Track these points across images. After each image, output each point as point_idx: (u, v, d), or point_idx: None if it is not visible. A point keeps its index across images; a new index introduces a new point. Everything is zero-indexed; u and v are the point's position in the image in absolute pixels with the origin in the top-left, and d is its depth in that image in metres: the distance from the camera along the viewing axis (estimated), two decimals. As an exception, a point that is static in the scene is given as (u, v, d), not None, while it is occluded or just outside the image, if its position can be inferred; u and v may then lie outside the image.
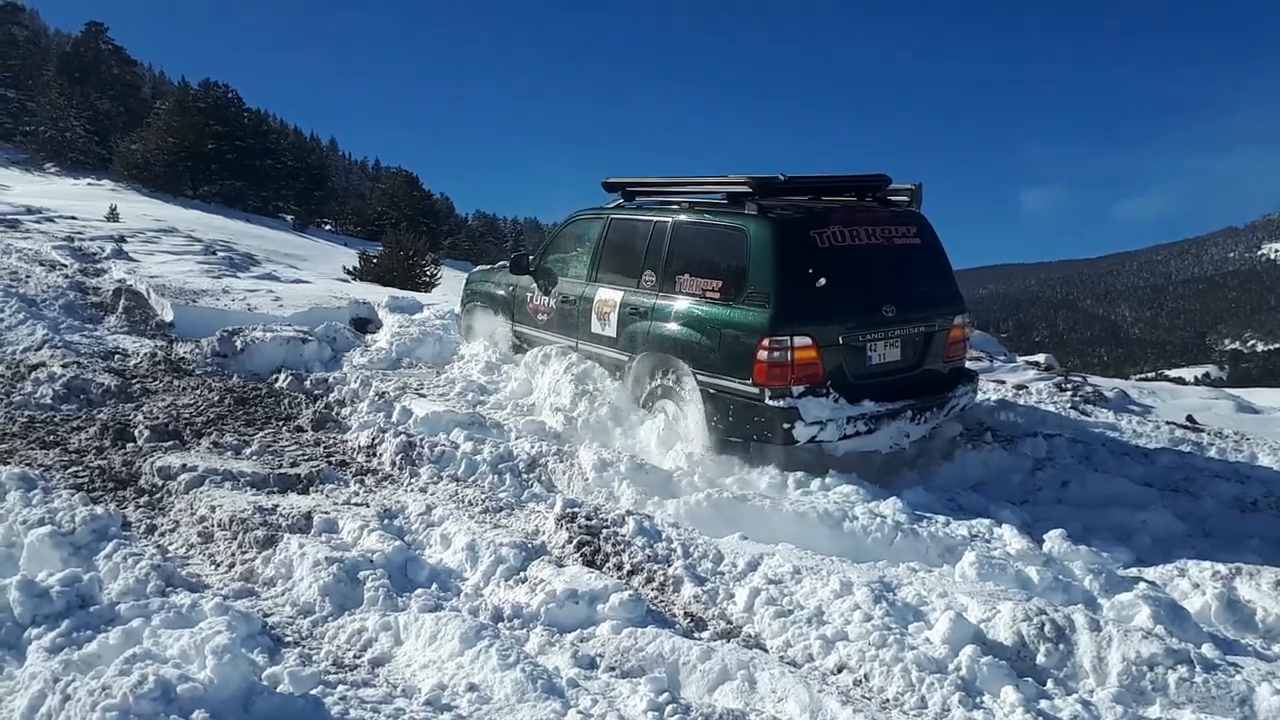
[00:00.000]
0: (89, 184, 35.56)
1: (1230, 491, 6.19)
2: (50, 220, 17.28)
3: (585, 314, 7.19)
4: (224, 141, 42.75)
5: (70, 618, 3.35)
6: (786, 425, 5.57)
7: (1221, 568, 4.61)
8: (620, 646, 3.37)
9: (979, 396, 8.54)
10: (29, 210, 18.20)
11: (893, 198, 6.73)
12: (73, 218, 18.28)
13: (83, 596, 3.50)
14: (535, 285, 7.95)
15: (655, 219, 6.80)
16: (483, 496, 5.12)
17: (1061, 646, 3.55)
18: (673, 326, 6.27)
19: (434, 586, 3.92)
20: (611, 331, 6.89)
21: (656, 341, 6.41)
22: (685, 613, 3.88)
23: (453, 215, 65.84)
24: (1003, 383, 9.85)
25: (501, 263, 9.08)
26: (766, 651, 3.54)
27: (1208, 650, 3.59)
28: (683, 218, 6.59)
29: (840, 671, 3.41)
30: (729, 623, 3.81)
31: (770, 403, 5.58)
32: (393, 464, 5.66)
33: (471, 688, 3.01)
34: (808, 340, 5.61)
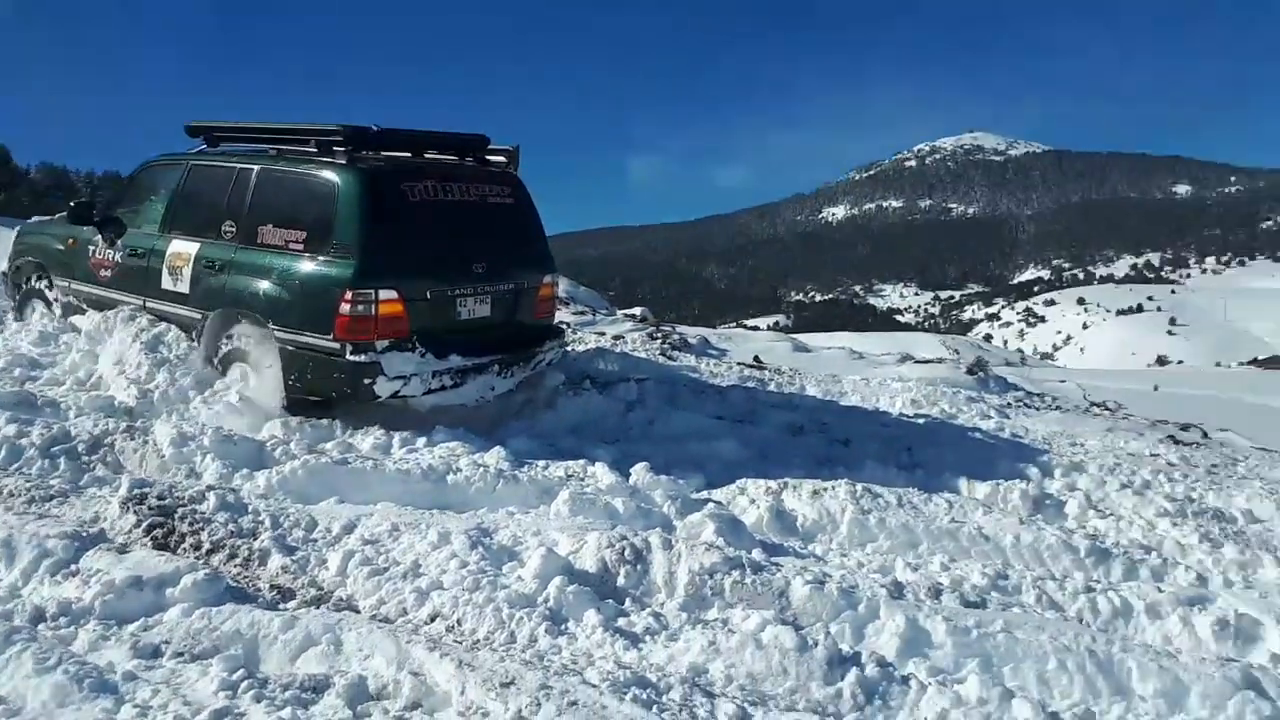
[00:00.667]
0: None
1: (784, 419, 7.13)
2: None
3: (156, 269, 6.53)
4: None
5: None
6: (368, 380, 5.51)
7: (772, 484, 5.29)
8: (191, 629, 3.11)
9: (581, 347, 9.03)
10: None
11: (491, 158, 6.80)
12: None
13: None
14: (99, 237, 7.06)
15: (239, 165, 6.35)
16: (28, 486, 4.44)
17: (639, 567, 3.86)
18: (251, 281, 5.90)
19: (-43, 594, 3.35)
20: (185, 288, 6.33)
21: (233, 297, 6.02)
22: (271, 585, 3.68)
23: (9, 166, 55.84)
24: (603, 334, 10.50)
25: (61, 214, 7.95)
26: (358, 612, 3.47)
27: (757, 554, 4.11)
28: (268, 165, 6.20)
29: (434, 620, 3.44)
30: (320, 589, 3.68)
31: (351, 358, 5.47)
32: (-102, 460, 4.72)
33: None
34: (394, 294, 5.56)
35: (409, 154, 6.48)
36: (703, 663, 3.17)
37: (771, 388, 8.24)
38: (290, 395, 5.75)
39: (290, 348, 5.68)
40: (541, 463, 5.41)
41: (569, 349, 8.56)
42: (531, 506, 4.80)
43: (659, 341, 10.35)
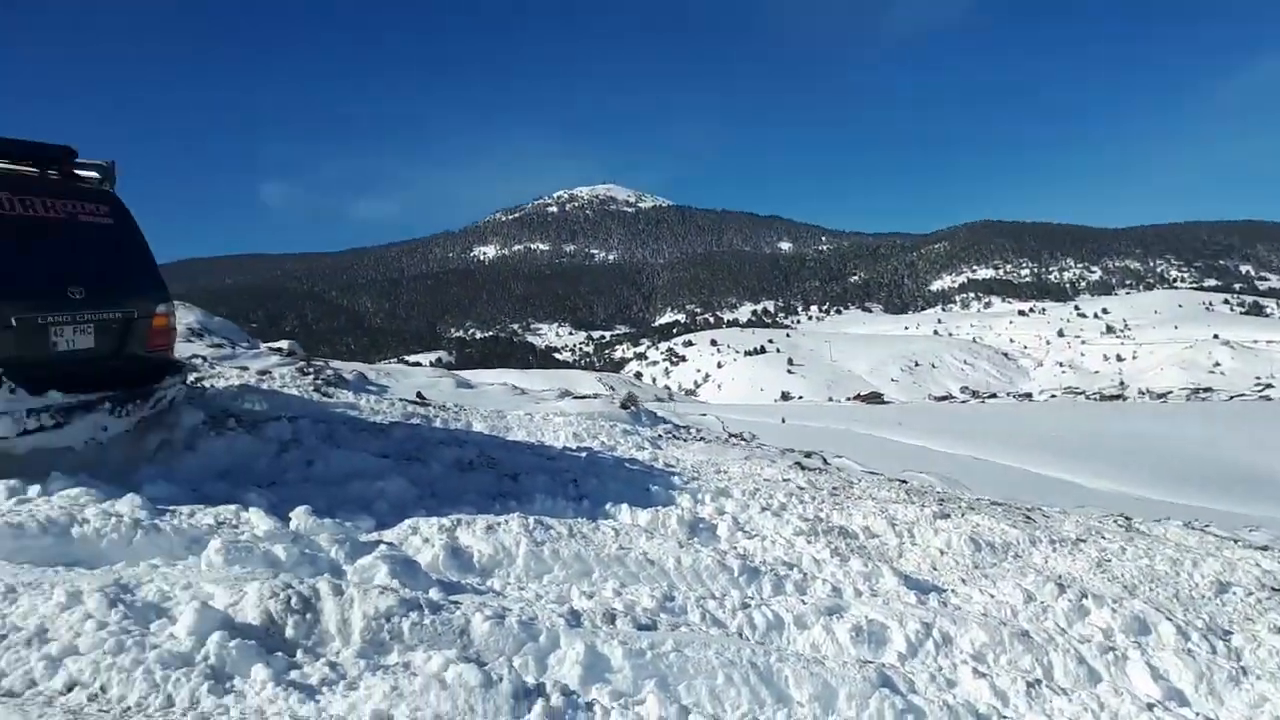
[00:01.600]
0: None
1: (452, 455, 7.11)
2: None
3: None
4: None
5: None
6: None
7: (446, 521, 5.26)
8: None
9: (222, 383, 8.37)
10: None
11: (80, 173, 6.09)
12: None
13: None
14: None
15: None
16: None
17: (309, 616, 3.66)
18: None
19: None
20: None
21: None
22: None
23: None
24: (246, 369, 9.79)
25: None
26: (-28, 692, 2.96)
27: (435, 594, 4.06)
28: None
29: (71, 689, 3.02)
30: (-90, 669, 3.08)
31: None
32: None
33: None
34: None
35: None
36: (386, 709, 3.07)
37: (437, 424, 8.17)
38: None
39: None
40: (186, 510, 4.94)
41: (207, 385, 7.93)
42: (179, 558, 4.37)
43: (311, 377, 9.85)
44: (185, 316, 12.24)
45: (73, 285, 5.40)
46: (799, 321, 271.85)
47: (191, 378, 8.34)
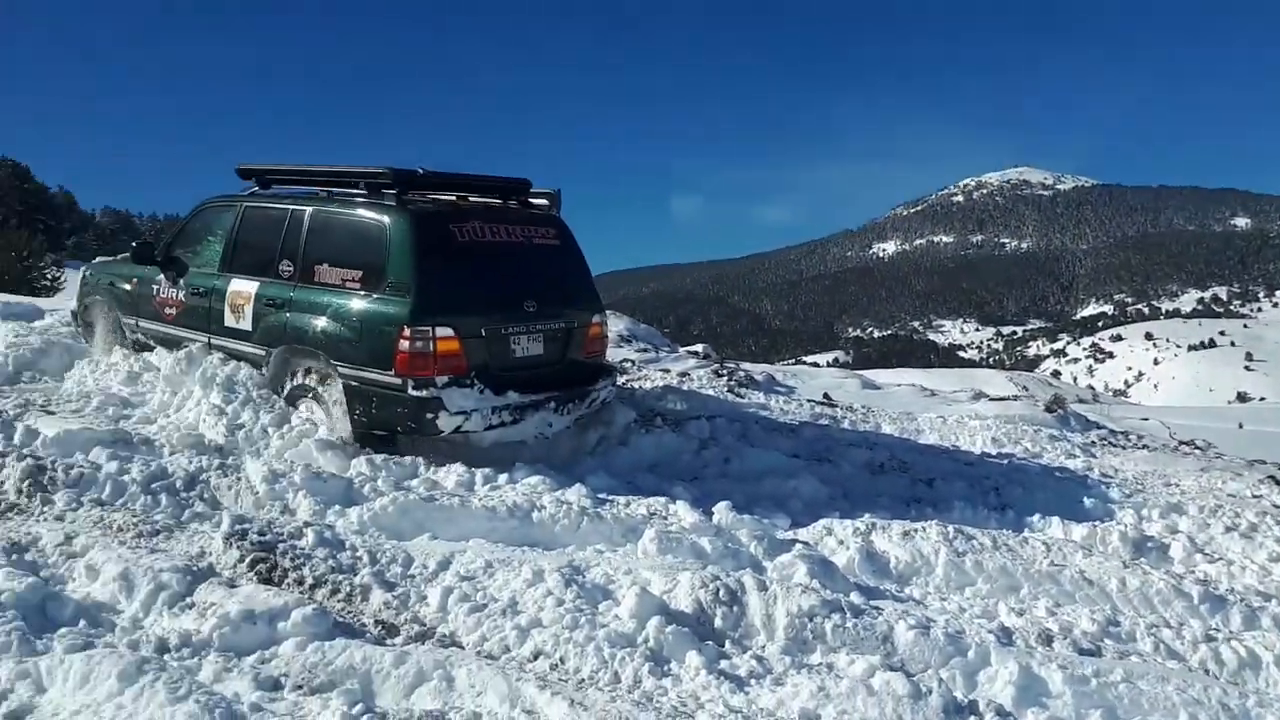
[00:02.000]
0: None
1: (862, 457, 7.05)
2: None
3: (219, 308, 6.75)
4: None
5: None
6: (430, 415, 5.64)
7: (859, 524, 5.23)
8: (307, 663, 3.16)
9: (648, 384, 9.06)
10: None
11: (534, 200, 6.95)
12: None
13: None
14: (162, 277, 7.31)
15: (292, 207, 6.58)
16: (135, 521, 4.56)
17: (735, 608, 3.84)
18: (311, 318, 6.10)
19: (82, 623, 3.43)
20: (247, 325, 6.55)
21: (295, 334, 6.21)
22: (376, 620, 3.73)
23: (75, 211, 58.15)
24: (668, 371, 10.50)
25: (124, 254, 8.22)
26: (463, 648, 3.50)
27: (855, 597, 4.06)
28: (320, 207, 6.42)
29: (537, 658, 3.45)
30: (423, 625, 3.71)
31: (413, 393, 5.61)
32: (18, 492, 4.87)
33: (137, 729, 2.67)
34: (450, 331, 5.71)
35: (454, 196, 6.62)
36: (814, 709, 3.13)
37: (846, 425, 8.17)
38: (356, 429, 5.91)
39: (354, 383, 5.85)
40: (622, 500, 5.43)
41: (636, 387, 8.61)
42: (618, 545, 4.80)
43: (725, 378, 10.33)
44: (616, 324, 13.50)
45: (527, 300, 6.20)
46: (1259, 310, 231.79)
47: (622, 380, 9.14)
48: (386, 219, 5.91)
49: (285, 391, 6.33)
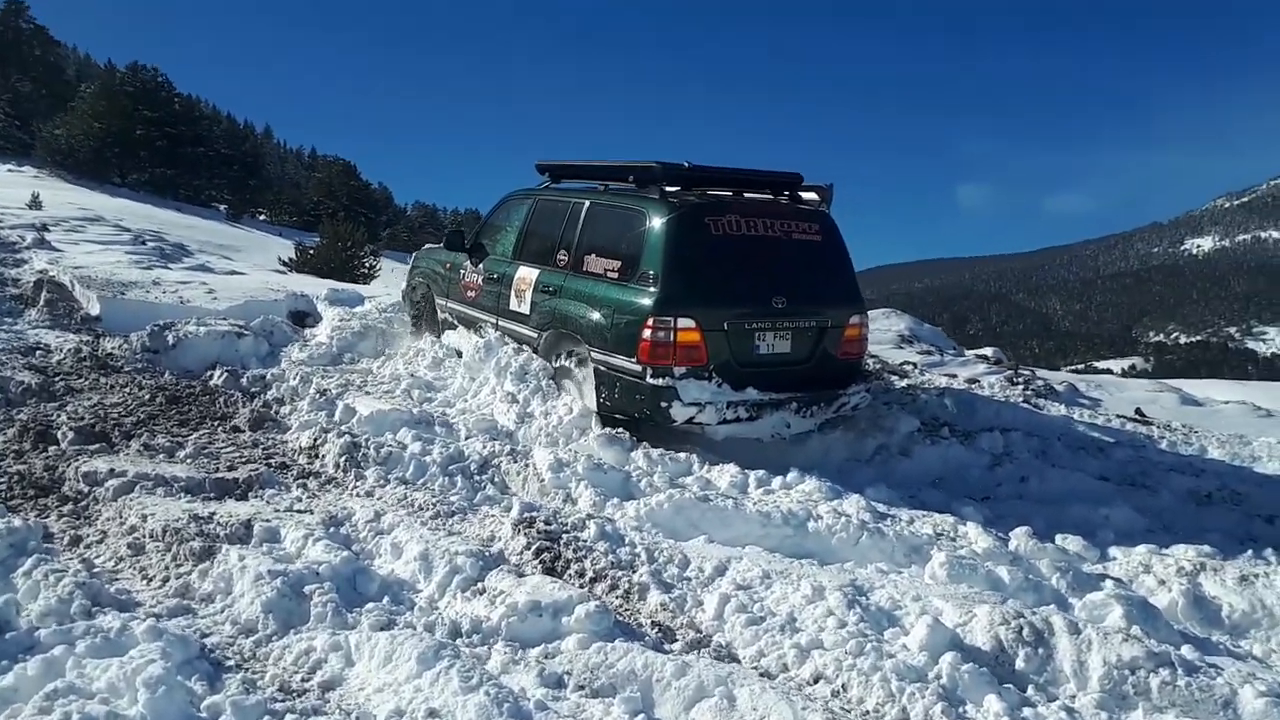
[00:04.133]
0: (9, 170, 34.01)
1: (1185, 485, 6.22)
2: (-35, 208, 16.43)
3: (506, 292, 7.27)
4: (153, 127, 41.06)
5: (-18, 646, 3.04)
6: (664, 404, 5.68)
7: (1185, 563, 4.58)
8: (589, 663, 3.17)
9: (933, 390, 8.53)
10: (-58, 198, 17.30)
11: (804, 195, 6.80)
12: (-9, 205, 17.42)
13: (-3, 620, 3.19)
14: (468, 263, 8.00)
15: (573, 200, 6.95)
16: (433, 501, 4.86)
17: (1041, 651, 3.45)
18: (576, 305, 6.40)
19: (385, 600, 3.68)
20: (526, 309, 6.99)
21: (561, 319, 6.54)
22: (653, 622, 3.70)
23: (391, 205, 64.67)
24: (954, 376, 9.87)
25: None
26: (739, 662, 3.38)
27: (1187, 652, 3.52)
28: (597, 200, 6.72)
29: (817, 682, 3.27)
30: (699, 632, 3.64)
31: (650, 381, 5.70)
32: (336, 466, 5.37)
33: (431, 713, 2.78)
34: (691, 323, 5.73)
35: (724, 190, 6.63)
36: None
37: (1163, 446, 7.25)
38: (600, 412, 6.10)
39: (603, 368, 6.05)
40: (905, 516, 5.10)
41: (919, 392, 8.12)
42: (901, 565, 4.50)
43: (1020, 387, 9.54)
44: (896, 324, 12.94)
45: (777, 295, 6.05)
46: None
47: (902, 384, 8.68)
48: (647, 210, 6.08)
49: (552, 373, 6.67)
